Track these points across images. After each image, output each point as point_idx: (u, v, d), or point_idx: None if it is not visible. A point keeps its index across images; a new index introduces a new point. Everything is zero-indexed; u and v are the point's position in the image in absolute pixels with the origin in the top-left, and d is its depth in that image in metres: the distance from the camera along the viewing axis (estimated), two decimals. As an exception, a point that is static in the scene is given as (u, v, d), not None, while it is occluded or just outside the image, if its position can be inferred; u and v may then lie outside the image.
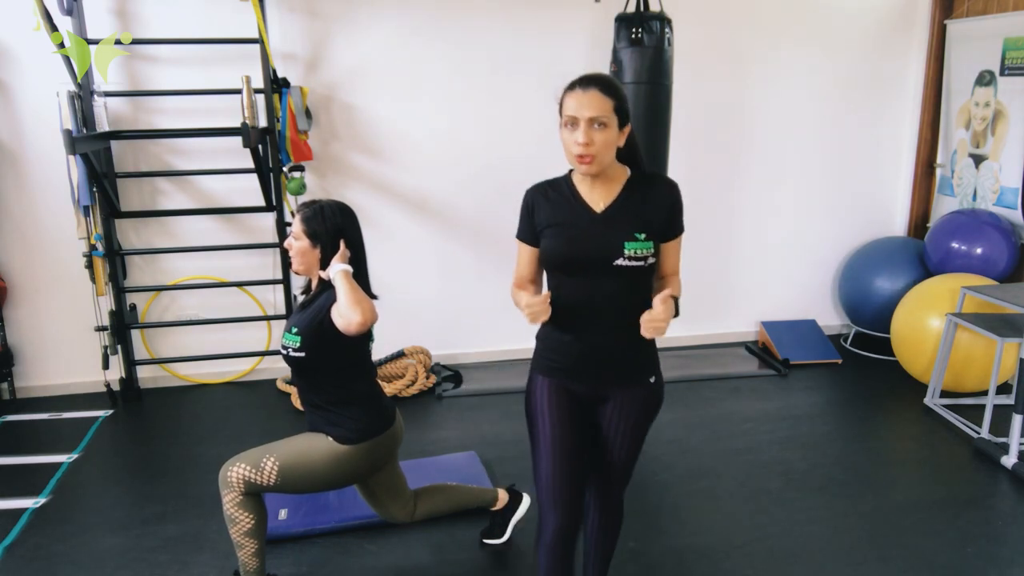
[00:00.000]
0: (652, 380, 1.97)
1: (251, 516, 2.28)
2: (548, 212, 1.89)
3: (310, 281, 2.33)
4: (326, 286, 2.22)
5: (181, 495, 3.10)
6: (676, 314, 1.79)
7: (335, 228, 2.21)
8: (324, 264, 2.22)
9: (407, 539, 2.77)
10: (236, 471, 2.24)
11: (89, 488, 3.19)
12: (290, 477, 2.23)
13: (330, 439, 2.25)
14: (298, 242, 2.22)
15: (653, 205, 1.87)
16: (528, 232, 1.95)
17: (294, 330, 2.21)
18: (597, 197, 1.87)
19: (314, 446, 2.25)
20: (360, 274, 2.25)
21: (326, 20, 3.99)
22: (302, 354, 2.19)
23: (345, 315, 2.06)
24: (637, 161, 1.94)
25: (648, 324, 1.73)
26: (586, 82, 1.78)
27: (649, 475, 3.22)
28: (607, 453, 1.99)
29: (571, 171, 1.93)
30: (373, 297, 2.25)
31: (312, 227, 2.21)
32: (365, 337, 2.26)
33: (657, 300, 1.74)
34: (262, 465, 2.22)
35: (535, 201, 1.93)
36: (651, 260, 1.83)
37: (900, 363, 4.17)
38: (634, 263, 1.80)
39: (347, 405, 2.25)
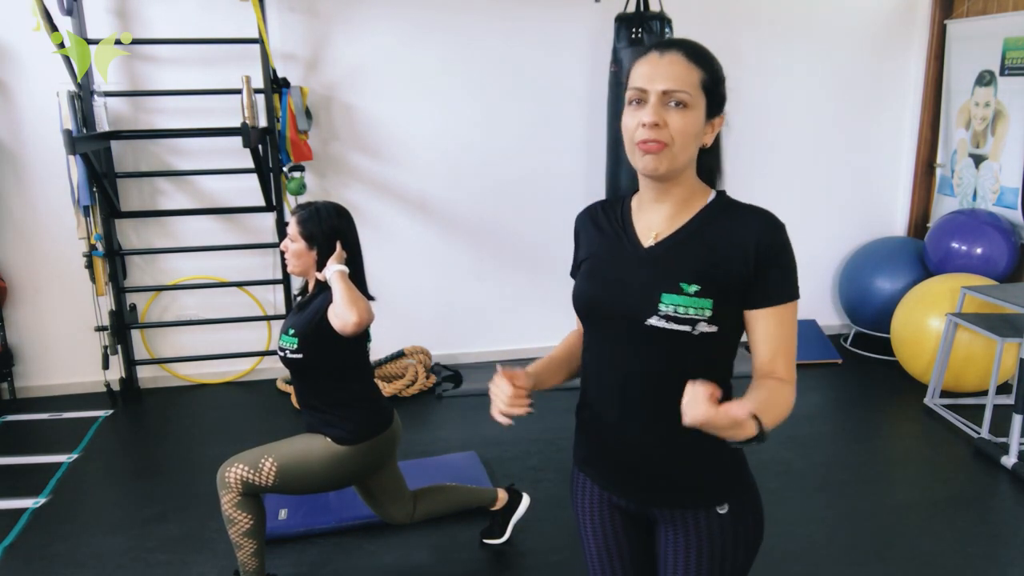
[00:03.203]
0: (723, 510, 1.34)
1: (249, 517, 2.28)
2: (590, 241, 1.41)
3: (307, 283, 2.33)
4: (322, 287, 2.22)
5: (181, 495, 3.10)
6: (759, 438, 1.13)
7: (331, 230, 2.21)
8: (320, 266, 2.22)
9: (407, 539, 2.77)
10: (234, 472, 2.24)
11: (89, 488, 3.19)
12: (288, 478, 2.23)
13: (328, 440, 2.25)
14: (294, 244, 2.23)
15: (727, 246, 1.26)
16: (575, 268, 1.47)
17: (291, 332, 2.21)
18: (652, 225, 1.33)
19: (312, 447, 2.25)
20: (356, 275, 2.25)
21: (326, 20, 3.99)
22: (299, 355, 2.19)
23: (341, 315, 2.06)
24: (712, 177, 1.37)
25: (687, 406, 1.09)
26: (666, 45, 1.26)
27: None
28: None
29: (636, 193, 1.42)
30: (370, 298, 2.24)
31: (308, 229, 2.21)
32: (362, 338, 2.26)
33: (691, 389, 1.10)
34: (260, 466, 2.23)
35: (582, 226, 1.45)
36: (704, 327, 1.24)
37: (900, 363, 4.17)
38: (674, 326, 1.23)
39: (345, 406, 2.25)
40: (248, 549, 2.31)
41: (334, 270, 2.15)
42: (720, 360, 1.34)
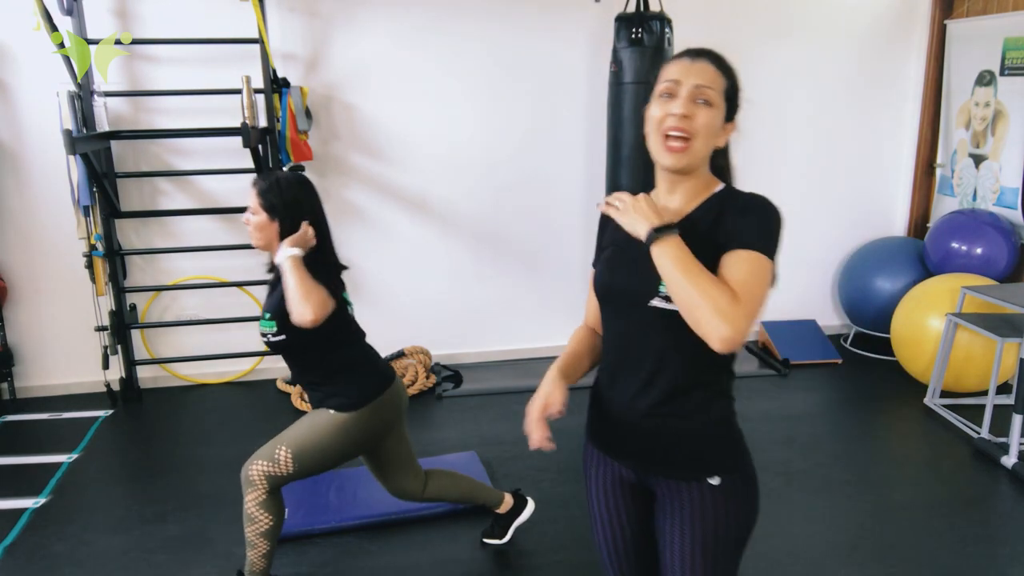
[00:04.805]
0: (715, 481, 1.41)
1: (271, 517, 2.28)
2: (614, 232, 1.49)
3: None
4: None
5: (181, 495, 3.09)
6: (649, 237, 1.32)
7: (292, 200, 2.14)
8: (283, 237, 2.14)
9: (407, 539, 2.77)
10: (256, 468, 2.24)
11: (89, 488, 3.19)
12: (305, 459, 2.23)
13: (331, 412, 2.24)
14: (256, 216, 2.14)
15: (722, 229, 1.36)
16: (597, 257, 1.57)
17: (267, 315, 2.17)
18: (666, 212, 1.41)
19: (318, 422, 2.25)
20: (323, 246, 2.19)
21: (326, 20, 3.99)
22: (282, 337, 2.16)
23: (294, 311, 2.00)
24: (724, 174, 1.52)
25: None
26: (697, 53, 1.42)
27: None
28: None
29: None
30: (343, 268, 2.20)
31: (268, 200, 2.13)
32: (340, 306, 2.19)
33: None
34: (276, 456, 2.23)
35: (608, 218, 1.52)
36: None
37: (900, 363, 4.17)
38: (672, 306, 1.32)
39: (340, 373, 2.24)
40: (261, 549, 2.31)
41: (286, 255, 2.06)
42: None
